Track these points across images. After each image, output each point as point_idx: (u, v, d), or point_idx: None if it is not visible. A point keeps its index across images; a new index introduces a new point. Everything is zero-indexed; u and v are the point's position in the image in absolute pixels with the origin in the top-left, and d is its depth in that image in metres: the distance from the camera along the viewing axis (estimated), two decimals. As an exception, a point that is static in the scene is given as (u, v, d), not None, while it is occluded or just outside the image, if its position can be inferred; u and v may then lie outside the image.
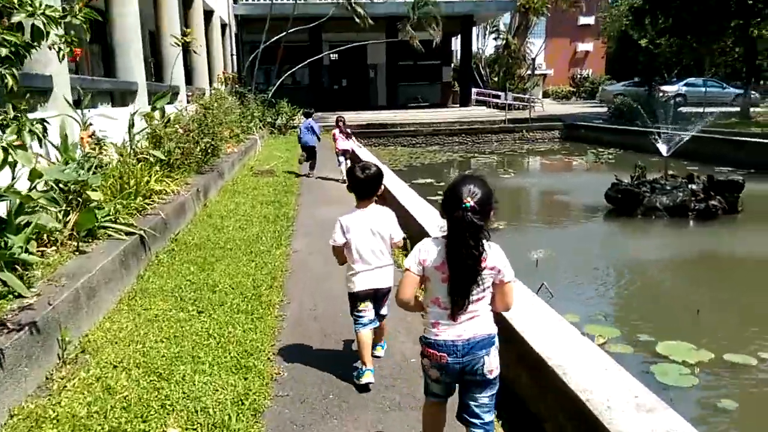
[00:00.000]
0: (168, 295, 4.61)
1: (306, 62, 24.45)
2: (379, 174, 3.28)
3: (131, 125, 7.02)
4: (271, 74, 27.47)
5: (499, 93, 30.98)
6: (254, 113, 18.75)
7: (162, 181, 6.78)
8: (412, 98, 32.40)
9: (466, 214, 2.12)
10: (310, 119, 12.12)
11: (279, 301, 4.62)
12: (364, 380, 3.25)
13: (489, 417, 2.30)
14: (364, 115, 27.21)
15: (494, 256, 2.23)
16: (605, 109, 26.97)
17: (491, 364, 2.25)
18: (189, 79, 17.01)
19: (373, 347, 3.47)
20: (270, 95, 23.13)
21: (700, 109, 23.92)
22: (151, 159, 6.93)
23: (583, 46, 59.02)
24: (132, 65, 9.87)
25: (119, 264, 4.60)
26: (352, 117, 26.93)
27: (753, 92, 34.87)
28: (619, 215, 10.14)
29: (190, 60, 17.25)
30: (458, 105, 31.66)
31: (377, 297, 3.37)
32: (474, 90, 30.69)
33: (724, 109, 25.91)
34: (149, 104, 10.69)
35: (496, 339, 2.29)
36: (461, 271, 2.17)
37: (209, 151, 10.56)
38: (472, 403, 2.29)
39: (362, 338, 3.31)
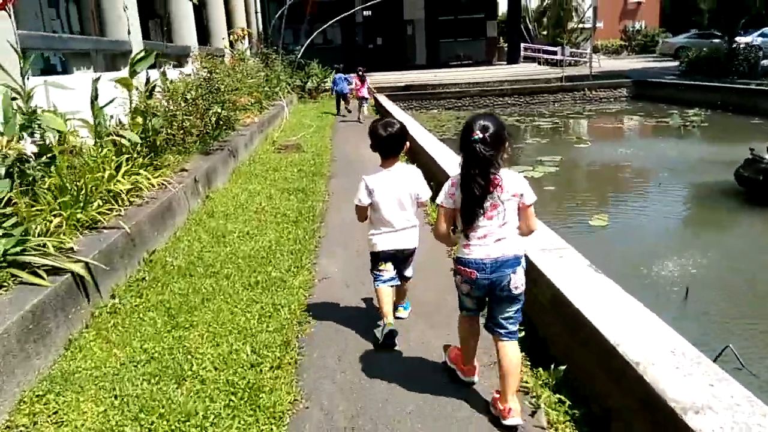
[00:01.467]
0: (102, 391, 2.68)
1: (337, 19, 22.07)
2: (403, 131, 3.13)
3: (94, 97, 5.04)
4: (300, 33, 25.21)
5: (553, 48, 28.03)
6: (280, 76, 16.65)
7: (136, 174, 4.82)
8: (454, 56, 29.77)
9: (476, 145, 2.29)
10: (341, 73, 15.11)
11: (290, 404, 2.63)
12: (385, 332, 3.12)
13: (513, 327, 2.51)
14: (402, 76, 24.86)
15: (513, 182, 2.40)
16: (675, 63, 23.90)
17: (516, 281, 2.44)
18: (204, 38, 14.99)
19: (395, 309, 3.38)
20: (299, 56, 20.96)
21: None
22: (124, 142, 4.96)
23: (635, -3, 54.60)
24: (121, 20, 7.88)
25: (19, 338, 2.67)
26: (389, 78, 24.64)
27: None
28: (761, 203, 7.62)
29: (207, 17, 15.19)
30: (505, 62, 28.87)
31: (401, 258, 3.27)
32: (522, 45, 27.80)
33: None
34: (153, 69, 8.79)
35: (523, 260, 2.47)
36: (470, 198, 2.36)
37: (220, 123, 8.60)
38: (499, 315, 2.50)
39: (382, 293, 3.22)
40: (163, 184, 5.24)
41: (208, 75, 7.88)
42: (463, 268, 2.47)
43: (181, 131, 7.18)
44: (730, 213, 7.77)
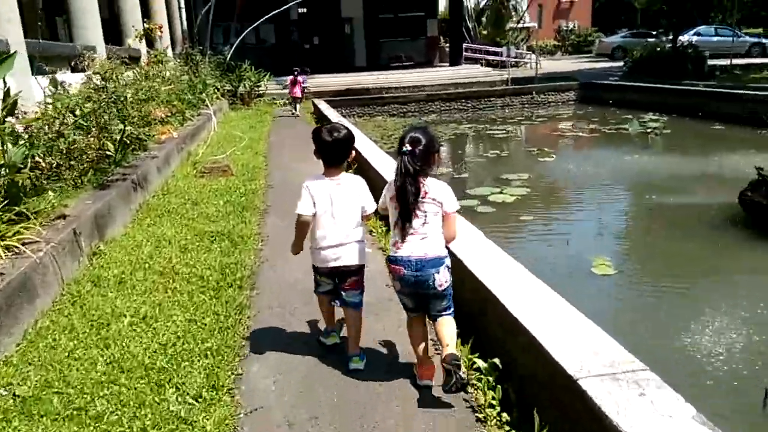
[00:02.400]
0: None
1: (269, 15, 20.43)
2: (350, 137, 2.92)
3: None
4: (230, 32, 23.38)
5: (496, 48, 27.31)
6: (207, 80, 14.90)
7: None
8: (395, 57, 28.55)
9: (405, 157, 2.61)
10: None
11: None
12: (330, 341, 3.24)
13: (448, 312, 2.77)
14: (342, 79, 23.44)
15: (436, 189, 2.71)
16: (617, 64, 23.58)
17: (440, 279, 2.67)
18: (116, 36, 13.12)
19: (349, 359, 3.02)
20: (228, 56, 19.19)
21: (725, 62, 20.75)
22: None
23: (568, -4, 55.26)
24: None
25: None
26: (328, 81, 23.15)
27: (768, 40, 31.87)
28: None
29: (118, 10, 13.30)
30: (447, 63, 27.92)
31: (340, 276, 2.99)
32: (464, 45, 26.94)
33: (756, 60, 22.81)
34: (32, 74, 7.06)
35: (447, 260, 2.71)
36: (403, 203, 2.64)
37: (126, 143, 6.97)
38: (432, 310, 2.78)
39: (320, 301, 3.20)
40: (15, 248, 3.65)
41: (103, 83, 6.22)
42: (393, 265, 2.72)
43: (67, 158, 5.55)
44: (749, 249, 6.24)
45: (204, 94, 13.93)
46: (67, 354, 3.13)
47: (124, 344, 3.23)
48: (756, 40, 29.85)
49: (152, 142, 8.36)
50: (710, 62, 20.29)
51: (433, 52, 30.04)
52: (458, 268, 3.15)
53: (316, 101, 16.81)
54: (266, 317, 3.71)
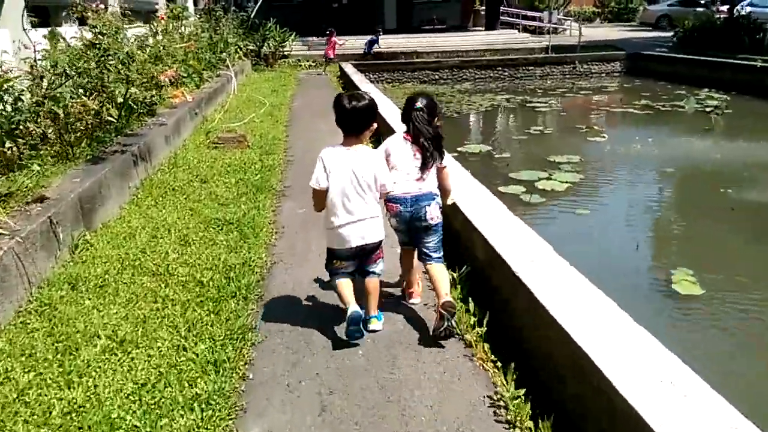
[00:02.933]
0: None
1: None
2: (371, 107, 2.80)
3: None
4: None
5: (535, 13, 25.79)
6: (228, 39, 14.00)
7: None
8: (427, 20, 27.18)
9: (417, 113, 3.00)
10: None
11: None
12: (350, 316, 2.85)
13: (437, 254, 3.06)
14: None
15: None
16: (662, 34, 22.01)
17: (431, 213, 3.00)
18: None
19: (367, 321, 2.94)
20: (252, 14, 18.21)
21: None
22: None
23: (610, -39, 52.46)
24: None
25: None
26: (355, 44, 22.08)
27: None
28: None
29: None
30: (482, 28, 26.50)
31: (363, 254, 2.88)
32: (501, 10, 25.46)
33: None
34: (25, 27, 6.31)
35: (438, 197, 3.06)
36: (424, 148, 2.97)
37: (133, 108, 6.22)
38: (422, 245, 3.05)
39: (341, 285, 2.92)
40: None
41: (99, 39, 5.41)
42: (389, 203, 3.02)
43: (55, 125, 4.80)
44: None
45: (225, 54, 13.07)
46: (16, 395, 2.42)
47: (91, 383, 2.51)
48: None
49: (163, 106, 7.59)
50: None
51: (468, 16, 28.55)
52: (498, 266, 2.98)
53: (343, 65, 15.84)
54: (275, 345, 2.95)
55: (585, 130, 9.95)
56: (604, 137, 9.18)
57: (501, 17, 25.85)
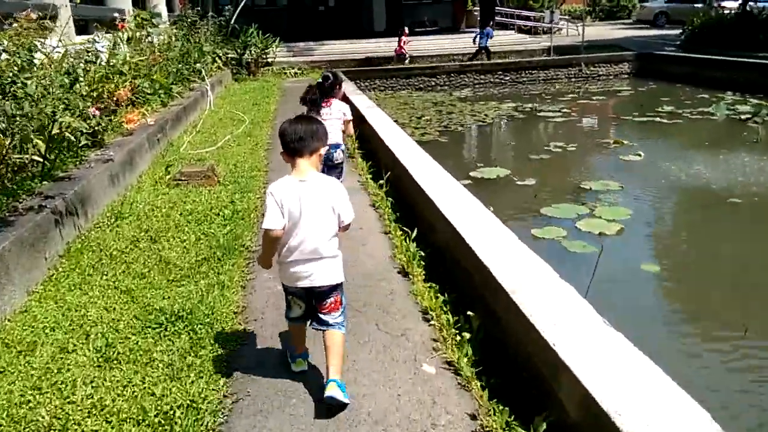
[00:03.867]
0: None
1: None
2: (319, 128, 2.51)
3: None
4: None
5: (530, 13, 24.60)
6: (204, 47, 12.65)
7: None
8: (418, 21, 25.94)
9: (321, 84, 4.50)
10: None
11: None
12: (297, 368, 2.67)
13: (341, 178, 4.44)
14: (360, 45, 21.08)
15: (337, 107, 4.53)
16: (668, 32, 20.86)
17: (338, 156, 4.50)
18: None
19: (326, 384, 2.41)
20: (232, 19, 16.85)
21: None
22: None
23: (600, -42, 51.55)
24: None
25: None
26: (344, 48, 20.82)
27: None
28: None
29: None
30: (476, 29, 25.28)
31: (314, 297, 2.52)
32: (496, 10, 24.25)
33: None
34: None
35: (342, 146, 4.59)
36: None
37: (71, 141, 4.90)
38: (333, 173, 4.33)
39: (291, 330, 2.70)
40: None
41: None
42: None
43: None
44: None
45: (199, 64, 11.71)
46: None
47: None
48: None
49: (116, 133, 6.25)
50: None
51: (461, 17, 27.37)
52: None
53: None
54: None
55: (613, 145, 8.66)
56: (639, 155, 7.86)
57: (495, 17, 24.64)
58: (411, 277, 3.65)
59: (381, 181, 5.51)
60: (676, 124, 10.00)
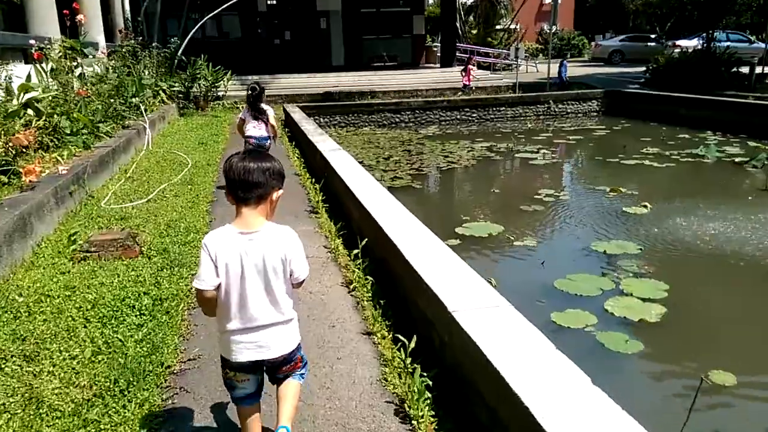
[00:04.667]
0: None
1: (230, 3, 16.85)
2: (274, 167, 2.02)
3: None
4: (189, 25, 19.72)
5: (489, 49, 24.20)
6: (143, 80, 11.30)
7: None
8: (377, 56, 25.24)
9: (252, 92, 6.58)
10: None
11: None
12: None
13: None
14: (318, 79, 20.10)
15: (268, 111, 6.64)
16: (630, 69, 20.66)
17: (267, 144, 6.56)
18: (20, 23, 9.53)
19: (276, 430, 2.13)
20: (180, 51, 15.55)
21: (743, 70, 17.95)
22: None
23: (550, -2, 52.86)
24: None
25: None
26: (302, 82, 19.78)
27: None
28: None
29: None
30: (436, 64, 24.77)
31: (266, 368, 2.13)
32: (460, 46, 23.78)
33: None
34: None
35: (270, 137, 6.64)
36: (259, 112, 6.57)
37: None
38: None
39: (241, 414, 2.16)
40: None
41: None
42: (249, 139, 6.51)
43: None
44: None
45: (137, 99, 10.35)
46: None
47: None
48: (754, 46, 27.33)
49: (11, 189, 4.87)
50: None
51: (420, 52, 26.82)
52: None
53: (289, 108, 13.36)
54: None
55: (611, 193, 7.69)
56: (645, 207, 6.87)
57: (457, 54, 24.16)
58: (415, 424, 2.42)
59: (356, 251, 4.30)
60: (668, 168, 9.18)
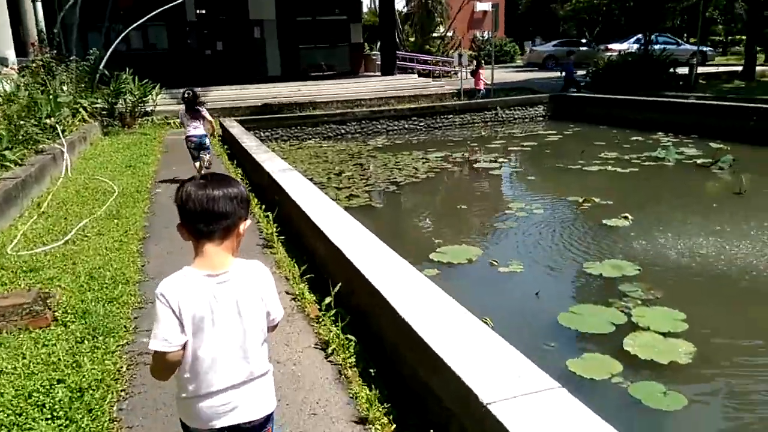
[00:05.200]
0: None
1: (155, 12, 15.68)
2: (236, 194, 1.67)
3: None
4: (111, 36, 18.29)
5: (428, 57, 23.89)
6: (59, 97, 10.10)
7: None
8: (314, 65, 24.40)
9: (187, 95, 7.59)
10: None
11: None
12: None
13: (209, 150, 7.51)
14: (255, 91, 19.11)
15: (205, 114, 7.62)
16: (582, 72, 20.63)
17: (206, 141, 7.62)
18: None
19: None
20: (102, 65, 14.25)
21: (685, 70, 18.38)
22: None
23: (482, 6, 53.65)
24: None
25: None
26: (238, 94, 18.76)
27: (705, 47, 30.71)
28: None
29: None
30: (377, 73, 24.24)
31: None
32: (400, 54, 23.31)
33: (717, 68, 20.76)
34: None
35: (207, 135, 7.68)
36: (195, 112, 7.58)
37: None
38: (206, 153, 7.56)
39: None
40: None
41: None
42: (190, 138, 7.46)
43: None
44: None
45: (52, 119, 9.16)
46: None
47: None
48: (695, 48, 28.50)
49: None
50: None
51: (359, 61, 26.17)
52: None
53: (227, 122, 12.39)
54: None
55: (584, 204, 7.21)
56: (626, 219, 6.38)
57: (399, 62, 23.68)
58: None
59: (328, 299, 3.54)
60: (633, 173, 8.85)
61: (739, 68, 21.74)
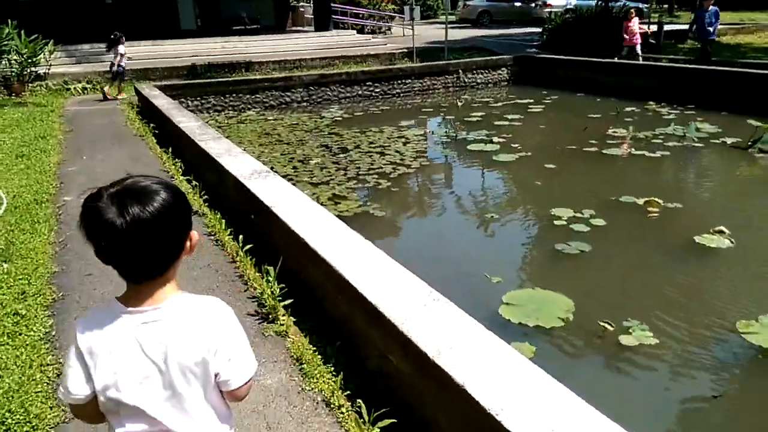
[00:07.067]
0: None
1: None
2: (169, 208, 1.16)
3: None
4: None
5: (361, 10, 21.69)
6: None
7: None
8: (235, 18, 21.52)
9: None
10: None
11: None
12: None
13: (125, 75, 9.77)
14: (168, 48, 16.39)
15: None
16: (537, 30, 19.17)
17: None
18: None
19: None
20: (-27, 15, 11.17)
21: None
22: None
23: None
24: None
25: None
26: (150, 52, 16.00)
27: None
28: None
29: None
30: (305, 27, 21.81)
31: None
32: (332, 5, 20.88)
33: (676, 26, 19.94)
34: None
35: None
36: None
37: None
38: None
39: None
40: None
41: None
42: None
43: None
44: None
45: None
46: None
47: None
48: (635, 4, 27.88)
49: None
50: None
51: (285, 14, 23.46)
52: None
53: (146, 90, 9.96)
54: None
55: (650, 210, 5.53)
56: (722, 234, 4.82)
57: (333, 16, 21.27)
58: None
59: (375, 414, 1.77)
60: (667, 159, 7.37)
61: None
